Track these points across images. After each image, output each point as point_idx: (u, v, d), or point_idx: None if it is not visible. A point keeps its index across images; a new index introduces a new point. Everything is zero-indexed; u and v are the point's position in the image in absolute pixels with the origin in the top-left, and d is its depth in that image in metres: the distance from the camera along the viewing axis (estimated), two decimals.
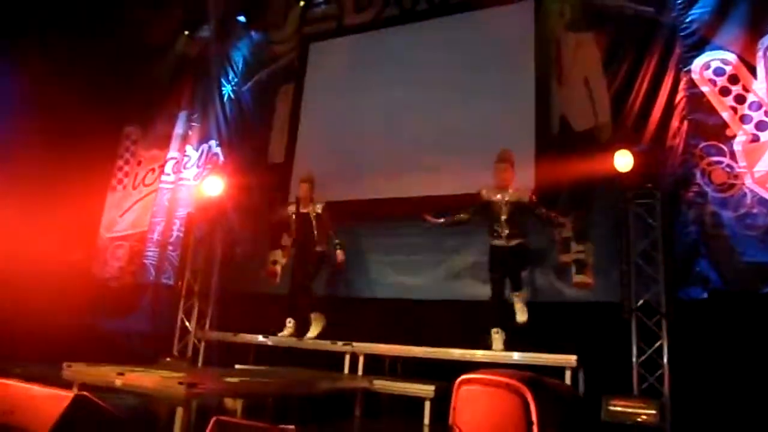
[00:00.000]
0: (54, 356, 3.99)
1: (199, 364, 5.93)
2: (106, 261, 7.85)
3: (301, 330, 5.51)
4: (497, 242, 4.92)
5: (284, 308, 5.70)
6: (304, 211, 5.70)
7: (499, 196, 4.96)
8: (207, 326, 6.31)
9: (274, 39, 7.89)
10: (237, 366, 5.12)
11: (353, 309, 5.99)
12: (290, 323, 5.54)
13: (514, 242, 4.90)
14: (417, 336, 5.20)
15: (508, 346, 4.69)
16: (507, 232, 4.89)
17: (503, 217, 4.91)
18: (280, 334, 5.52)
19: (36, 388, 2.28)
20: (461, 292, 5.71)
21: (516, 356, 4.46)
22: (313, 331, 5.44)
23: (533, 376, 1.32)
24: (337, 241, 5.66)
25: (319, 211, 5.69)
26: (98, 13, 8.03)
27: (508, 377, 1.31)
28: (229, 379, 3.62)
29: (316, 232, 5.64)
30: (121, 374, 3.31)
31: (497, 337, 4.70)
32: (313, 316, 5.49)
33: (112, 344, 6.44)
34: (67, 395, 2.11)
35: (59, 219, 7.12)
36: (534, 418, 1.22)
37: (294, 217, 5.76)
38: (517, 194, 4.94)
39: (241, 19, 8.00)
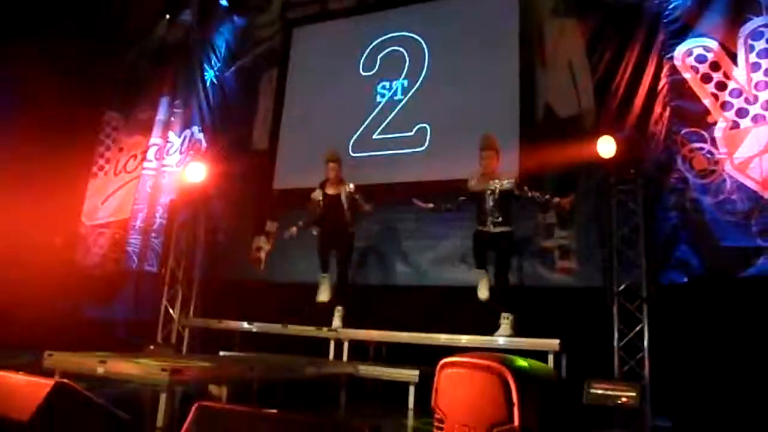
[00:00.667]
0: (36, 345, 3.95)
1: (184, 351, 5.91)
2: (88, 248, 7.76)
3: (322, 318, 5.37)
4: (483, 228, 4.93)
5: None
6: (333, 192, 5.43)
7: (485, 184, 4.94)
8: (191, 313, 6.28)
9: (257, 23, 7.80)
10: (221, 352, 5.11)
11: None
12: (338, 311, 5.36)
13: (499, 229, 4.88)
14: (403, 321, 5.21)
15: (492, 331, 4.71)
16: (493, 219, 4.86)
17: (490, 205, 4.88)
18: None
19: (16, 376, 2.25)
20: (448, 277, 5.73)
21: (500, 341, 4.51)
22: (338, 320, 5.26)
23: (514, 359, 1.34)
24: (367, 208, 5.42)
25: (352, 190, 5.40)
26: None
27: (489, 359, 1.33)
28: (213, 366, 3.62)
29: (348, 214, 5.40)
30: (104, 362, 3.28)
31: (506, 322, 4.71)
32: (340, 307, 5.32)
33: (95, 332, 6.39)
34: (47, 383, 2.09)
35: (40, 206, 7.02)
36: (515, 398, 1.24)
37: (322, 199, 5.45)
38: (502, 181, 4.90)
39: (224, 3, 7.88)
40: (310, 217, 5.50)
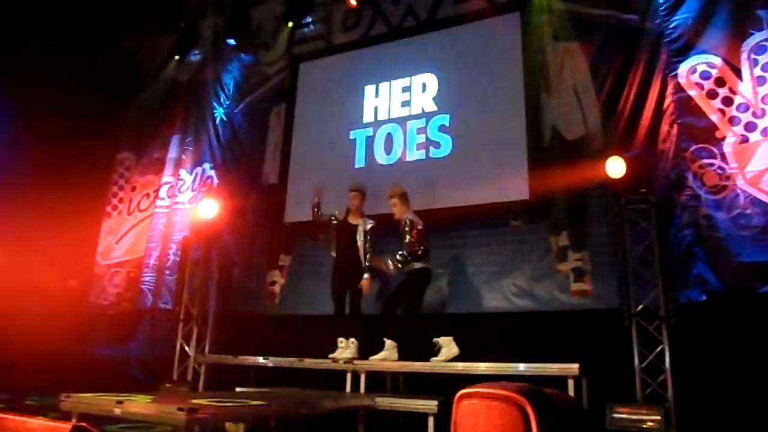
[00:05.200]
0: (52, 386, 3.96)
1: (200, 389, 5.88)
2: (103, 288, 7.82)
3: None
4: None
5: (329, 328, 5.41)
6: (353, 222, 5.32)
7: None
8: (206, 350, 6.26)
9: (264, 60, 7.94)
10: (238, 389, 5.07)
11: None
12: (342, 343, 5.18)
13: (406, 269, 5.01)
14: (421, 351, 5.14)
15: (510, 357, 4.63)
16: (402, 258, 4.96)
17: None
18: (332, 355, 5.14)
19: (33, 421, 2.25)
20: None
21: (521, 367, 4.43)
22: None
23: (533, 388, 1.31)
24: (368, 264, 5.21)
25: (367, 229, 5.25)
26: (89, 41, 8.09)
27: (508, 390, 1.31)
28: (229, 403, 3.58)
29: (364, 249, 5.21)
30: (121, 402, 3.27)
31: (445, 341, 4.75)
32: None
33: (111, 372, 6.39)
34: (65, 427, 2.09)
35: (55, 247, 7.11)
36: (534, 429, 1.22)
37: (337, 226, 5.36)
38: (404, 222, 5.05)
39: (231, 42, 8.05)
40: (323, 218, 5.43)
